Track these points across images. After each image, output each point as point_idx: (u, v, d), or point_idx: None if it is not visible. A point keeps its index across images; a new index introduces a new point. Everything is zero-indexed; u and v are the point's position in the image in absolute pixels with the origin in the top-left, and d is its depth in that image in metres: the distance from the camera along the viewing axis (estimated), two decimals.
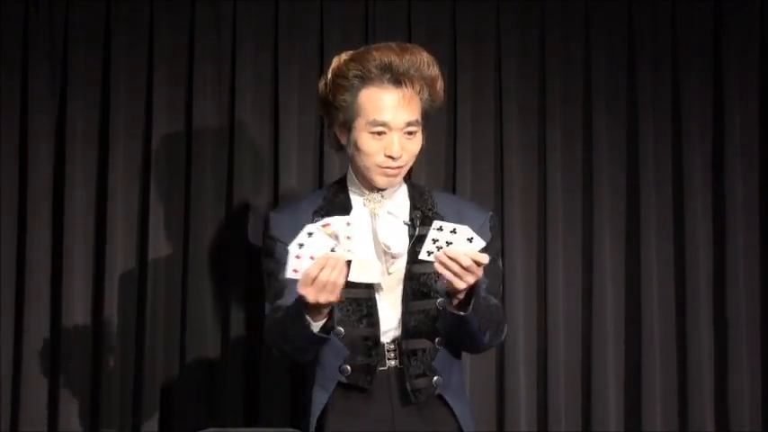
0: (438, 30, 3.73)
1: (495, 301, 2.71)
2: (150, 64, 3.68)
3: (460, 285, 2.50)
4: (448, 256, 2.47)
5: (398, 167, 2.70)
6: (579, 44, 3.75)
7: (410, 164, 2.74)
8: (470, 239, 2.49)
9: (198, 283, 3.64)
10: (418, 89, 2.69)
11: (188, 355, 3.63)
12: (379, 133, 2.67)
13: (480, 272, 2.50)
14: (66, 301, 3.62)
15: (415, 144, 2.71)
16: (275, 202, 3.67)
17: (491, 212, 2.83)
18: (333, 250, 2.47)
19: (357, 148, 2.70)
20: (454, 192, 3.65)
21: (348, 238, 2.48)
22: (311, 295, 2.46)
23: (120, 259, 3.64)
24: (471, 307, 2.55)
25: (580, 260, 3.69)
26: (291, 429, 2.70)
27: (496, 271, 2.78)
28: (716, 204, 3.73)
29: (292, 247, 2.47)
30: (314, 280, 2.45)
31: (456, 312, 2.58)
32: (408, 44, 2.76)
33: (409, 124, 2.68)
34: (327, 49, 3.66)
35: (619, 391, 3.65)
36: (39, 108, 3.67)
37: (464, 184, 3.69)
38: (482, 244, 2.50)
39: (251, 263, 3.63)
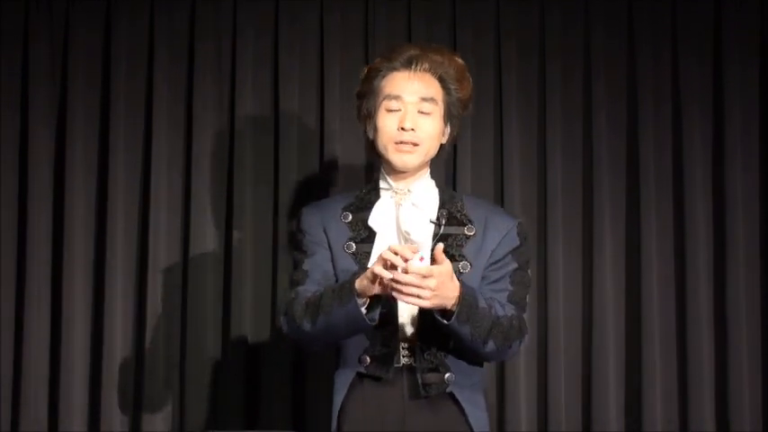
0: (438, 25, 3.73)
1: (503, 311, 2.69)
2: (150, 64, 3.70)
3: (423, 304, 2.53)
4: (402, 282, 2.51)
5: (412, 143, 2.73)
6: (579, 30, 3.74)
7: (427, 145, 2.75)
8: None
9: (199, 282, 3.65)
10: (438, 81, 2.75)
11: (188, 355, 3.63)
12: (394, 109, 2.73)
13: (428, 286, 2.51)
14: (67, 301, 3.63)
15: (431, 124, 2.74)
16: (275, 201, 3.67)
17: (520, 220, 2.84)
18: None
19: (375, 130, 2.77)
20: (454, 183, 3.65)
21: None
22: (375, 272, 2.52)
23: (121, 259, 3.64)
24: (456, 318, 2.57)
25: (580, 260, 3.69)
26: None
27: (523, 280, 2.79)
28: (716, 199, 3.71)
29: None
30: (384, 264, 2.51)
31: (441, 321, 2.60)
32: (440, 47, 2.84)
33: (423, 100, 2.73)
34: (328, 47, 3.69)
35: (619, 391, 3.65)
36: (39, 106, 3.69)
37: (464, 178, 3.68)
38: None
39: (253, 262, 3.64)
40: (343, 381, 2.74)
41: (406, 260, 2.50)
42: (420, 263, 2.51)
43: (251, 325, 3.63)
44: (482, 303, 2.64)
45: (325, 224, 2.77)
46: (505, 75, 3.72)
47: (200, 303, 3.64)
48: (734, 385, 3.63)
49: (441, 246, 2.55)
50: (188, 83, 3.71)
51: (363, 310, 2.58)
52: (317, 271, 2.74)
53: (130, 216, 3.67)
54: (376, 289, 2.55)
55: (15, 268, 3.64)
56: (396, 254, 2.50)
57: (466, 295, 2.59)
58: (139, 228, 3.68)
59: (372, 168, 3.67)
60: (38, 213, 3.65)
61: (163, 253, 3.65)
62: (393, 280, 2.50)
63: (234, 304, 3.64)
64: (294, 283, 2.76)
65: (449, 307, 2.58)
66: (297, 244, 2.83)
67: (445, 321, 2.59)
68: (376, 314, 2.60)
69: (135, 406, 3.62)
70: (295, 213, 3.61)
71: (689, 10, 3.73)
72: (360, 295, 2.57)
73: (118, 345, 3.61)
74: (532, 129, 3.73)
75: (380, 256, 2.53)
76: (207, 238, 3.66)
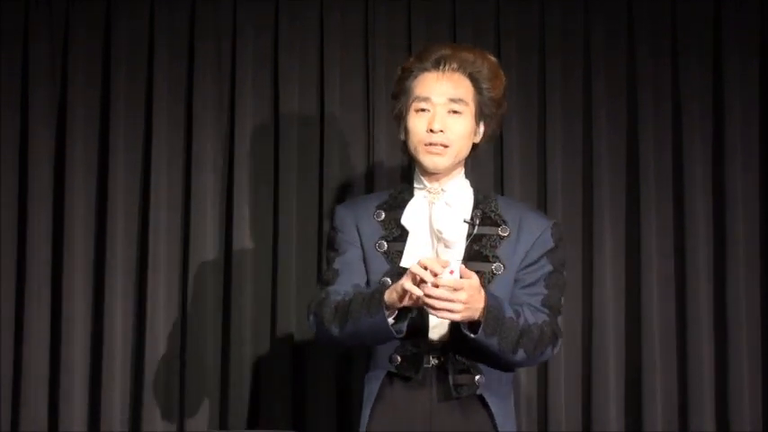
0: (438, 24, 3.72)
1: (534, 319, 2.68)
2: (150, 64, 3.70)
3: (454, 317, 2.53)
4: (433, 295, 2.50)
5: (441, 145, 2.71)
6: (579, 29, 3.72)
7: (457, 146, 2.73)
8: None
9: (199, 281, 3.65)
10: (468, 80, 2.74)
11: (188, 355, 3.63)
12: (424, 110, 2.73)
13: (460, 299, 2.50)
14: (67, 300, 3.63)
15: (461, 125, 2.73)
16: (275, 201, 3.67)
17: (555, 221, 2.83)
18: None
19: (406, 131, 2.76)
20: None
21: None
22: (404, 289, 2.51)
23: (121, 259, 3.64)
24: (482, 330, 2.57)
25: (580, 259, 3.67)
26: None
27: (558, 282, 2.77)
28: (716, 198, 3.69)
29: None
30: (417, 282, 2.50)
31: (468, 334, 2.59)
32: (472, 46, 2.84)
33: (452, 101, 2.72)
34: (328, 46, 3.69)
35: (619, 391, 3.64)
36: (39, 105, 3.69)
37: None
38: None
39: (253, 261, 3.65)
40: (373, 381, 2.74)
41: (435, 274, 2.49)
42: (450, 276, 2.49)
43: (251, 324, 3.63)
44: (509, 313, 2.62)
45: (357, 222, 2.78)
46: (505, 73, 3.70)
47: (200, 302, 3.63)
48: (734, 385, 3.62)
49: (462, 266, 2.54)
50: (188, 82, 3.71)
51: (391, 320, 2.58)
52: (348, 270, 2.75)
53: (130, 216, 3.67)
54: (405, 302, 2.55)
55: (15, 268, 3.64)
56: (425, 268, 2.49)
57: (491, 307, 2.57)
58: (139, 227, 3.68)
59: (373, 168, 3.68)
60: (38, 213, 3.65)
61: (163, 253, 3.64)
62: (425, 295, 2.49)
63: (234, 304, 3.64)
64: (324, 283, 2.77)
65: (476, 318, 2.57)
66: (329, 241, 2.84)
67: (472, 335, 2.58)
68: (404, 326, 2.60)
69: (135, 406, 3.62)
70: (294, 213, 3.64)
71: (689, 9, 3.72)
72: (389, 307, 2.57)
73: (118, 345, 3.61)
74: (532, 127, 3.72)
75: (410, 270, 2.52)
76: (207, 238, 3.66)
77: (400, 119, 2.78)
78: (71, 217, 3.65)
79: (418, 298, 2.50)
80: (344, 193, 3.66)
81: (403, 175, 3.66)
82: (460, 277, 2.51)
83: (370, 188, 3.65)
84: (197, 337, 3.62)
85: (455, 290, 2.49)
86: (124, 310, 3.63)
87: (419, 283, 2.50)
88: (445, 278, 2.49)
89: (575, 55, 3.72)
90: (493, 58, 2.81)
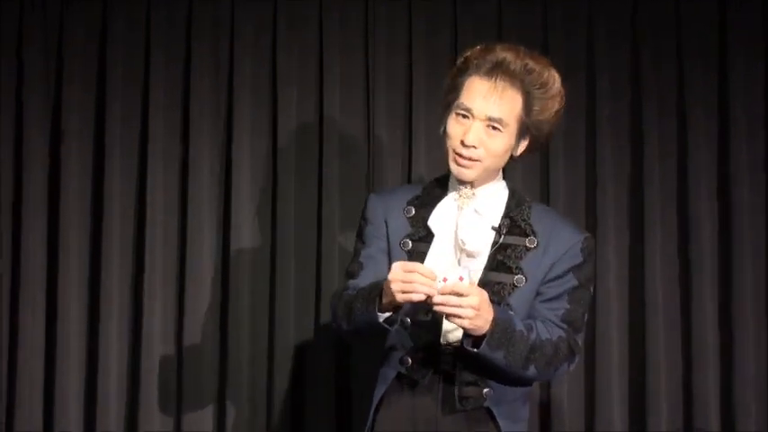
0: (438, 24, 3.71)
1: (548, 335, 2.63)
2: (147, 67, 3.69)
3: (464, 323, 2.48)
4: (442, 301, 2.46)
5: (470, 159, 2.64)
6: (582, 30, 3.72)
7: (489, 162, 2.65)
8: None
9: (196, 285, 3.64)
10: (520, 96, 2.63)
11: (186, 357, 3.62)
12: (464, 117, 2.64)
13: (470, 304, 2.46)
14: (62, 306, 3.62)
15: (496, 143, 2.64)
16: (273, 203, 3.65)
17: (587, 235, 2.74)
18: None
19: (445, 131, 2.68)
20: None
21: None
22: (396, 291, 2.47)
23: (117, 264, 3.64)
24: (486, 343, 2.52)
25: None
26: None
27: (582, 297, 2.70)
28: (721, 199, 3.69)
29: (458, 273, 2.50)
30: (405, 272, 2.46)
31: (469, 349, 2.55)
32: (541, 56, 2.69)
33: (491, 120, 2.62)
34: (327, 48, 3.68)
35: (623, 391, 3.63)
36: (34, 109, 3.67)
37: None
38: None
39: (250, 265, 3.64)
40: (383, 381, 2.71)
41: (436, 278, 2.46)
42: (460, 282, 2.45)
43: (249, 327, 3.62)
44: (519, 327, 2.57)
45: (387, 215, 2.73)
46: None
47: (198, 306, 3.63)
48: (738, 386, 3.62)
49: (472, 278, 2.51)
50: (185, 85, 3.70)
51: (388, 314, 2.54)
52: (372, 264, 2.72)
53: (127, 219, 3.66)
54: (400, 299, 2.50)
55: (10, 273, 3.62)
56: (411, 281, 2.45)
57: (499, 320, 2.53)
58: (136, 231, 3.67)
59: (373, 170, 3.67)
60: (33, 218, 3.63)
61: (159, 256, 3.64)
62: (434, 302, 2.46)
63: (231, 307, 3.63)
64: (349, 275, 2.75)
65: (485, 330, 2.52)
66: (359, 230, 2.79)
67: (475, 350, 2.54)
68: (398, 317, 2.56)
69: (132, 407, 3.61)
70: (293, 217, 3.62)
71: (693, 10, 3.71)
72: (386, 306, 2.53)
73: (114, 347, 3.61)
74: None
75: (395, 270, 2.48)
76: (204, 242, 3.65)
77: (445, 110, 2.69)
78: (66, 221, 3.64)
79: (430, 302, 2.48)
80: (344, 195, 3.66)
81: (403, 176, 3.67)
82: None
83: (369, 191, 3.63)
84: (195, 338, 3.61)
85: (463, 295, 2.45)
86: (120, 314, 3.62)
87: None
88: (451, 283, 2.45)
89: (577, 55, 3.71)
90: (555, 74, 2.66)
